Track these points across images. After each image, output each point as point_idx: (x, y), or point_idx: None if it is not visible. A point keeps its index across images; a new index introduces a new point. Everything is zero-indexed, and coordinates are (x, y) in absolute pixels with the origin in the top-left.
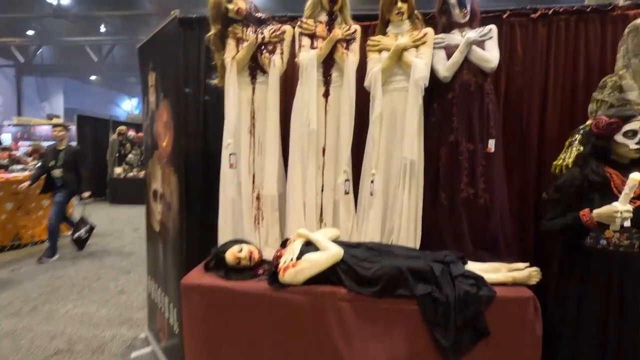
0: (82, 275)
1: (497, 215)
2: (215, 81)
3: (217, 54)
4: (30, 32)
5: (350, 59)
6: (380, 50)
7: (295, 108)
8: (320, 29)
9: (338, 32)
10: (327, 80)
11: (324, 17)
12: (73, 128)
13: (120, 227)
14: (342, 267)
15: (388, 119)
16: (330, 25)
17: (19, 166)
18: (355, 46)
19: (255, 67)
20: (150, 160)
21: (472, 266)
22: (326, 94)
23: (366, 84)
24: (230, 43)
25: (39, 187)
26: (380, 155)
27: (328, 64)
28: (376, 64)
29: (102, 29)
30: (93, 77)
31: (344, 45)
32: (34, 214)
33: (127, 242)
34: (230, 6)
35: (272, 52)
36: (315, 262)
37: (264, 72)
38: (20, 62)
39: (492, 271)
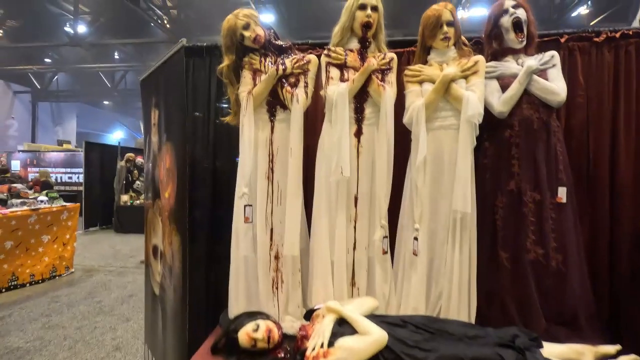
0: (77, 324)
1: (574, 281)
2: (227, 118)
3: (231, 87)
4: (47, 60)
5: (387, 92)
6: (421, 82)
7: (322, 150)
8: (352, 58)
9: (373, 61)
10: (359, 118)
11: (355, 45)
12: (80, 154)
13: (124, 260)
14: (388, 357)
15: (433, 162)
16: (362, 53)
17: (18, 200)
18: (392, 77)
19: (274, 103)
20: (150, 210)
21: (548, 349)
22: (358, 133)
23: (406, 120)
24: (246, 75)
25: (39, 221)
26: (423, 205)
27: (361, 98)
28: (417, 97)
29: (116, 56)
30: (106, 102)
31: (379, 76)
32: (34, 251)
33: (129, 279)
34: (247, 33)
35: (295, 85)
36: (354, 352)
37: (285, 108)
38: (36, 89)
39: (575, 356)
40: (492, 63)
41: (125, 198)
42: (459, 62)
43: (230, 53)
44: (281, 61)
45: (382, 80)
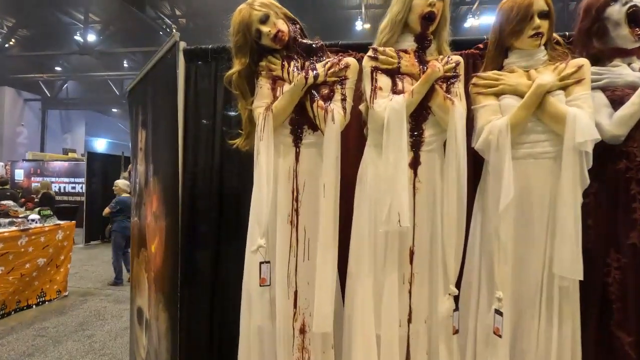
0: None
1: None
2: (237, 141)
3: (242, 101)
4: (57, 68)
5: (457, 108)
6: (499, 94)
7: (363, 185)
8: (407, 62)
9: (439, 65)
10: (416, 142)
11: (409, 44)
12: (83, 164)
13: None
14: None
15: (517, 203)
16: (420, 56)
17: (6, 220)
18: (460, 88)
19: (301, 122)
20: (135, 260)
21: None
22: (415, 163)
23: (478, 145)
24: (263, 85)
25: (31, 243)
26: (508, 265)
27: (418, 116)
28: (494, 114)
29: (125, 64)
30: (114, 110)
31: (443, 86)
32: (28, 276)
33: (126, 306)
34: (265, 28)
35: (329, 98)
36: None
37: (315, 129)
38: (46, 96)
39: None
40: (595, 69)
41: None
42: (554, 66)
43: (243, 55)
44: (311, 66)
45: (447, 91)
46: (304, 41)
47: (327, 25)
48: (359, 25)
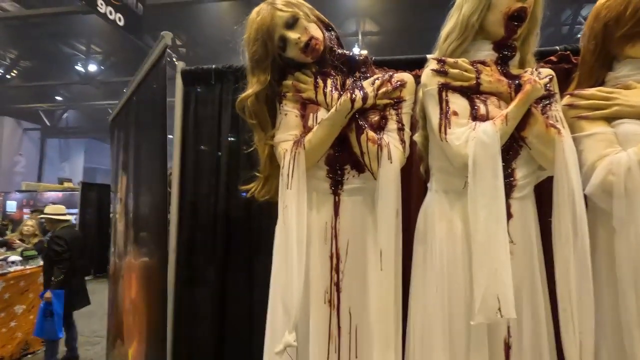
0: None
1: None
2: (252, 188)
3: (260, 133)
4: (58, 98)
5: (565, 139)
6: (611, 118)
7: (430, 251)
8: (490, 77)
9: (539, 81)
10: (505, 186)
11: (487, 52)
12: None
13: None
14: None
15: None
16: (505, 69)
17: None
18: (560, 110)
19: (341, 161)
20: (111, 353)
21: None
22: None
23: (590, 190)
24: (289, 111)
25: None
26: None
27: (508, 149)
28: (608, 146)
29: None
30: None
31: (538, 109)
32: (4, 327)
33: None
34: (293, 35)
35: (380, 127)
36: None
37: (361, 170)
38: (46, 125)
39: None
40: None
41: None
42: None
43: (262, 71)
44: (357, 85)
45: (545, 114)
46: (344, 52)
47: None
48: (357, 51)
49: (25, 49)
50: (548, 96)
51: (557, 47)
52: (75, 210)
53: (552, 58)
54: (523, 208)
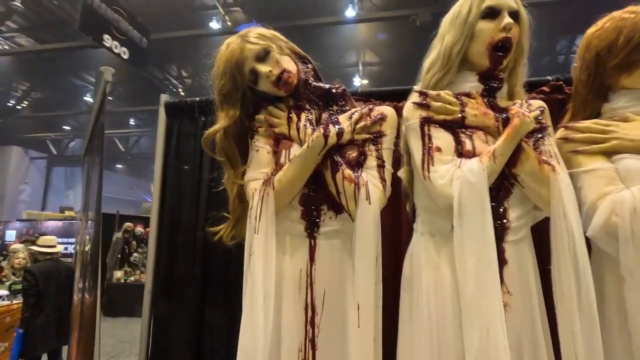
0: None
1: None
2: (221, 230)
3: (229, 171)
4: (66, 127)
5: (560, 176)
6: (610, 152)
7: (416, 300)
8: (476, 110)
9: (529, 114)
10: (497, 228)
11: (472, 84)
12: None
13: None
14: None
15: None
16: (491, 101)
17: None
18: (554, 145)
19: (317, 201)
20: None
21: None
22: (499, 263)
23: (592, 233)
24: (261, 147)
25: None
26: None
27: (499, 188)
28: (609, 184)
29: (131, 121)
30: (119, 166)
31: (529, 143)
32: None
33: None
34: (264, 68)
35: (359, 164)
36: None
37: (339, 211)
38: (52, 154)
39: None
40: None
41: (118, 275)
42: None
43: (231, 106)
44: (332, 119)
45: (537, 149)
46: (320, 85)
47: (325, 82)
48: (357, 81)
49: (37, 81)
50: (540, 129)
51: (549, 77)
52: (74, 240)
53: (545, 89)
54: (519, 252)
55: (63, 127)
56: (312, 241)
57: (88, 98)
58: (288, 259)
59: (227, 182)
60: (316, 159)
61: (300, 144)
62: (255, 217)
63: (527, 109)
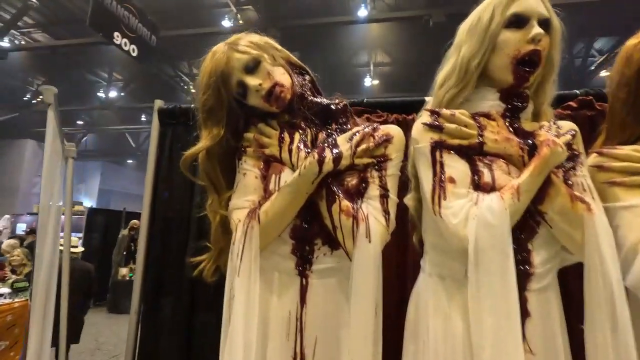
0: None
1: None
2: (203, 260)
3: (213, 196)
4: (79, 122)
5: (596, 216)
6: None
7: (423, 352)
8: (496, 134)
9: (559, 142)
10: (520, 274)
11: (492, 103)
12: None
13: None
14: None
15: None
16: (513, 121)
17: None
18: (588, 177)
19: (310, 234)
20: None
21: None
22: (521, 315)
23: (631, 281)
24: (249, 171)
25: None
26: None
27: (523, 228)
28: None
29: (143, 117)
30: (129, 161)
31: (559, 175)
32: None
33: None
34: (253, 81)
35: (359, 193)
36: None
37: (335, 246)
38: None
39: None
40: None
41: (124, 272)
42: None
43: (215, 124)
44: (330, 140)
45: (567, 181)
46: (317, 100)
47: (335, 82)
48: (368, 82)
49: (52, 76)
50: (571, 157)
51: (577, 91)
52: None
53: (572, 104)
54: (544, 303)
55: (77, 122)
56: (304, 280)
57: (101, 94)
58: (275, 299)
59: (209, 210)
60: (309, 188)
61: (293, 168)
62: (237, 255)
63: (556, 132)
